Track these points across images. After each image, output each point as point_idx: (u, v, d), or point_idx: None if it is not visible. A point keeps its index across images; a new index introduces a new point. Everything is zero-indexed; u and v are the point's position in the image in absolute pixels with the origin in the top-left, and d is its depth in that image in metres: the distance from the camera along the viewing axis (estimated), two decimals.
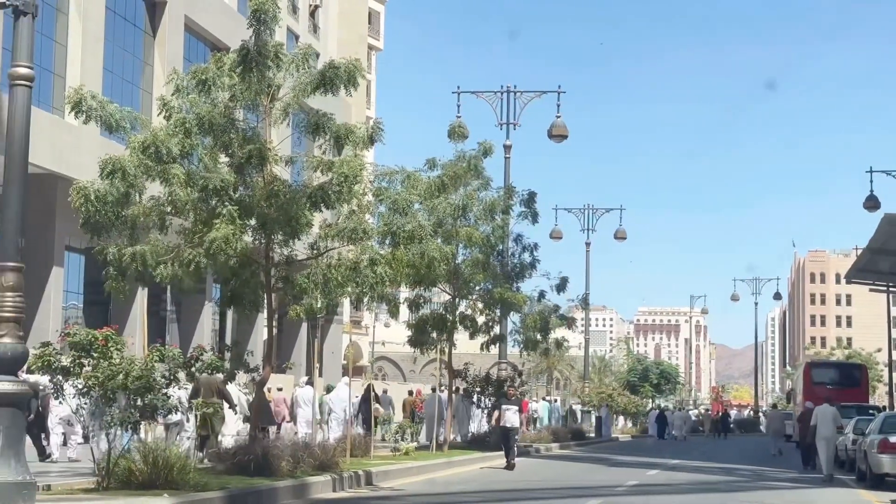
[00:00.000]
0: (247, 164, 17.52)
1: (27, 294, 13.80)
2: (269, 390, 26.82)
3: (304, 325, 53.13)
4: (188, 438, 21.81)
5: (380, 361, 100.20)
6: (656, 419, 62.70)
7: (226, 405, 22.26)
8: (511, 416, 27.06)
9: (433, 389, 32.39)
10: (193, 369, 17.36)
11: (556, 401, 64.52)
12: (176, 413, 17.23)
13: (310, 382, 29.38)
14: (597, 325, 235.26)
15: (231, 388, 23.03)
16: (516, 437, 27.44)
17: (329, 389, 33.93)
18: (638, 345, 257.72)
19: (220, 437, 22.05)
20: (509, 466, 26.05)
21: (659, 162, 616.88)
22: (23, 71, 13.40)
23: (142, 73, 43.18)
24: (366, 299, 20.67)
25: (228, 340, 48.36)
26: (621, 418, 67.30)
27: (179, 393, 22.33)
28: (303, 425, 28.41)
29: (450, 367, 32.04)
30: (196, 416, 21.80)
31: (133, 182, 16.53)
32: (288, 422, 31.34)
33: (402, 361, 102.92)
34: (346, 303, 52.61)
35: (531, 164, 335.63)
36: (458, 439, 33.54)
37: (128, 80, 42.34)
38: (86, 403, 15.24)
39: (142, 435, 17.21)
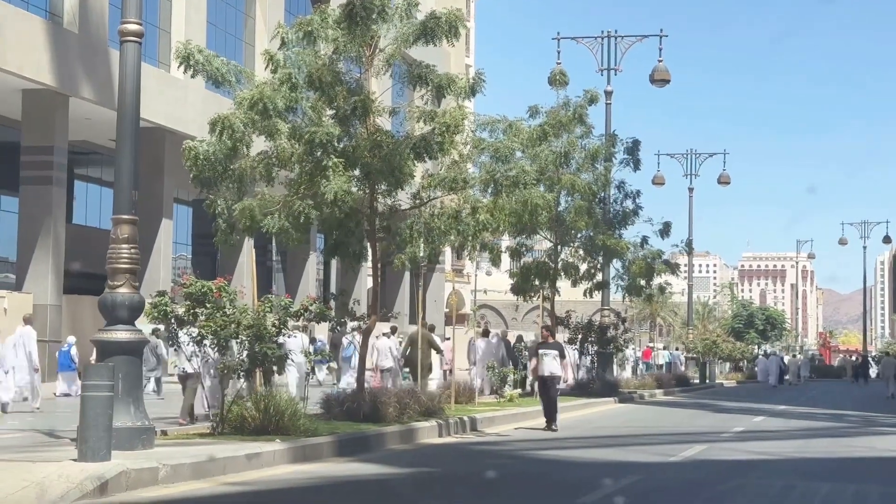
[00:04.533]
0: (351, 116, 17.68)
1: (139, 246, 14.21)
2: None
3: (407, 275, 53.57)
4: (404, 379, 24.80)
5: (482, 310, 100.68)
6: (777, 365, 61.75)
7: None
8: (549, 363, 21.83)
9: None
10: (302, 319, 17.82)
11: (677, 349, 64.67)
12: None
13: (486, 333, 31.22)
14: (700, 272, 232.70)
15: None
16: (557, 386, 22.39)
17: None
18: (742, 290, 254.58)
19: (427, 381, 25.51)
20: (549, 427, 21.39)
21: (766, 101, 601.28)
22: (132, 27, 13.69)
23: (244, 26, 43.67)
24: (468, 247, 20.76)
25: (333, 290, 49.08)
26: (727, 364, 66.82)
27: (391, 343, 27.24)
28: (478, 372, 29.42)
29: (552, 315, 32.10)
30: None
31: (240, 138, 16.79)
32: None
33: (504, 309, 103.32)
34: (447, 252, 52.87)
35: (633, 109, 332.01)
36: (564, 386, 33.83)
37: (230, 33, 42.86)
38: (200, 352, 15.65)
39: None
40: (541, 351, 22.31)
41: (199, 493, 11.51)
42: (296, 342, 22.77)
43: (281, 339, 16.54)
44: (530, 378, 27.61)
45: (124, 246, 13.46)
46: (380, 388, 22.15)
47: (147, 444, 13.09)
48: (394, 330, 30.74)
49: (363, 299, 45.19)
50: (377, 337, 26.97)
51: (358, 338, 26.29)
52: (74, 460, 11.55)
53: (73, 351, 28.08)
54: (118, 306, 13.32)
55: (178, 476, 11.95)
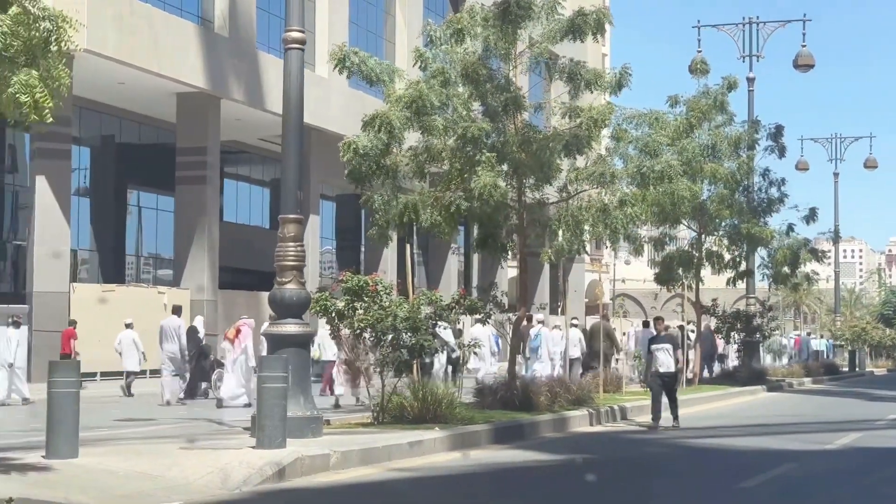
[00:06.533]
0: (502, 112, 18.06)
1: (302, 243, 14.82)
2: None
3: (547, 265, 53.78)
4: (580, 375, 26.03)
5: (620, 298, 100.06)
6: None
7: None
8: (664, 359, 19.81)
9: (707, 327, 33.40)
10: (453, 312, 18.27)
11: (822, 336, 63.97)
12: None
13: (646, 324, 32.14)
14: (845, 257, 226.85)
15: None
16: (675, 386, 20.21)
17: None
18: (890, 276, 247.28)
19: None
20: (655, 426, 19.37)
21: None
22: (295, 35, 14.36)
23: (384, 24, 44.45)
24: (616, 239, 20.91)
25: (474, 283, 49.63)
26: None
27: (577, 334, 29.35)
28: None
29: (697, 304, 32.04)
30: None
31: (395, 135, 17.29)
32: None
33: (643, 298, 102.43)
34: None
35: (775, 95, 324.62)
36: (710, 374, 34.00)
37: (371, 30, 43.68)
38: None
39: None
40: (653, 346, 20.25)
41: (370, 479, 12.04)
42: (447, 334, 23.33)
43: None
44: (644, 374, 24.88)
45: (291, 244, 14.11)
46: (562, 377, 22.87)
47: (316, 433, 13.69)
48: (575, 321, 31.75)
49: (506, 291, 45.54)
50: (568, 327, 29.22)
51: (545, 330, 27.85)
52: (252, 448, 12.22)
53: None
54: (287, 301, 13.96)
55: (348, 462, 12.51)
